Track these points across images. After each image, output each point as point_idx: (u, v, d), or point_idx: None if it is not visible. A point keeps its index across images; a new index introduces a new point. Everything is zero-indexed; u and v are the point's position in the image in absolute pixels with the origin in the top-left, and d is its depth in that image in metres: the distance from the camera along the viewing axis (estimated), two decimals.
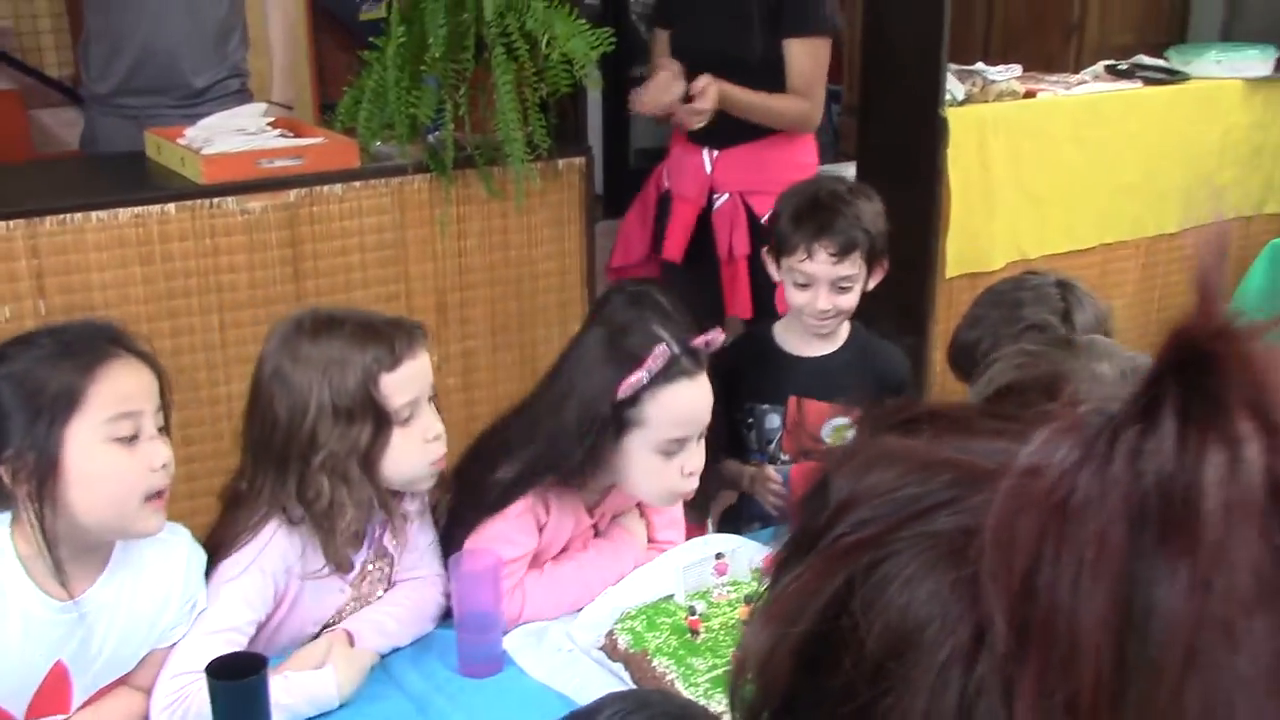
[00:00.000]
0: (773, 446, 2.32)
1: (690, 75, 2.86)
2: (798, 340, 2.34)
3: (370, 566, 1.77)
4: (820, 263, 2.20)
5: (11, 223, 2.36)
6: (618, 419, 1.73)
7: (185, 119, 2.79)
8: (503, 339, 2.94)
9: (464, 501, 1.86)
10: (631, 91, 2.96)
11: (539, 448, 1.78)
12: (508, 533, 1.80)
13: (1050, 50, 4.37)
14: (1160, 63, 3.94)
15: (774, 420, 2.31)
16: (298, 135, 2.78)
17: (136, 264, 2.48)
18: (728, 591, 1.82)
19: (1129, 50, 4.09)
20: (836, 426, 2.28)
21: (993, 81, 3.51)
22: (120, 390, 1.48)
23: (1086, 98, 3.69)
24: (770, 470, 2.25)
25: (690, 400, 1.76)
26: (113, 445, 1.47)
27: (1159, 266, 3.94)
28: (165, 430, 1.54)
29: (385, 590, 1.79)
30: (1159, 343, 0.40)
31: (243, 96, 3.06)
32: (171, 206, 2.50)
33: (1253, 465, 0.37)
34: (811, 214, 2.22)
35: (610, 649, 1.73)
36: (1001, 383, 1.04)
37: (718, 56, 2.85)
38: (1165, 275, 3.97)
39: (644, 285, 2.57)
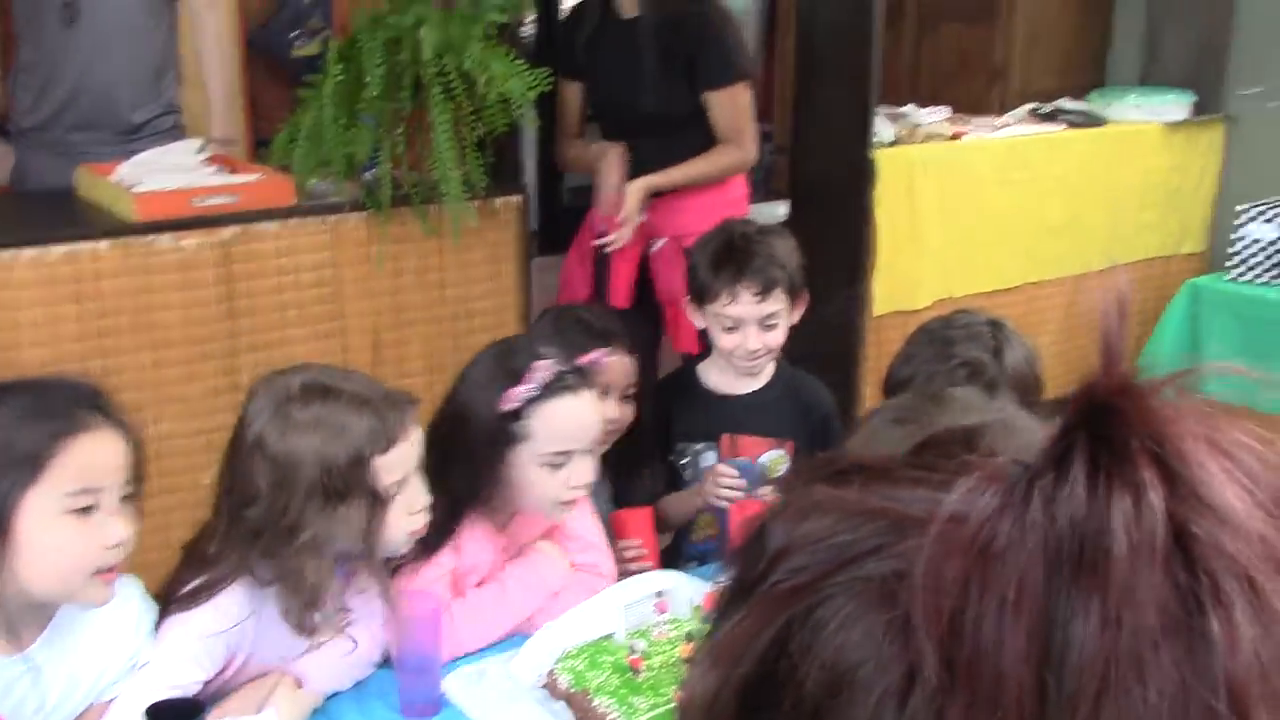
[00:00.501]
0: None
1: (615, 132, 2.92)
2: (724, 379, 2.37)
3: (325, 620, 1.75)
4: (745, 304, 2.24)
5: None
6: (505, 433, 1.80)
7: (120, 155, 2.76)
8: (439, 377, 2.92)
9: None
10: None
11: (449, 475, 1.80)
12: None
13: (976, 93, 4.47)
14: (1082, 106, 4.05)
15: (710, 458, 2.33)
16: (233, 172, 2.77)
17: (68, 302, 2.45)
18: (668, 629, 1.83)
19: (1051, 94, 4.20)
20: (772, 459, 2.32)
21: (920, 124, 3.59)
22: (86, 463, 1.42)
23: (1011, 140, 3.79)
24: (722, 466, 2.25)
25: (572, 414, 1.83)
26: (68, 517, 1.42)
27: (1083, 305, 4.04)
28: (135, 497, 1.49)
29: (332, 635, 1.77)
30: (1070, 398, 0.43)
31: (177, 133, 3.04)
32: (104, 244, 2.47)
33: (1156, 510, 0.40)
34: (729, 258, 2.26)
35: (551, 688, 1.73)
36: (882, 435, 1.06)
37: (642, 113, 2.91)
38: (1090, 314, 4.06)
39: (575, 306, 2.60)
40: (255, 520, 1.57)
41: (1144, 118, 4.06)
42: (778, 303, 2.26)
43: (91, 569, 1.45)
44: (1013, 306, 3.68)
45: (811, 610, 0.44)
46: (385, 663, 1.79)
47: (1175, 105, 4.10)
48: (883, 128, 3.45)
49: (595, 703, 1.67)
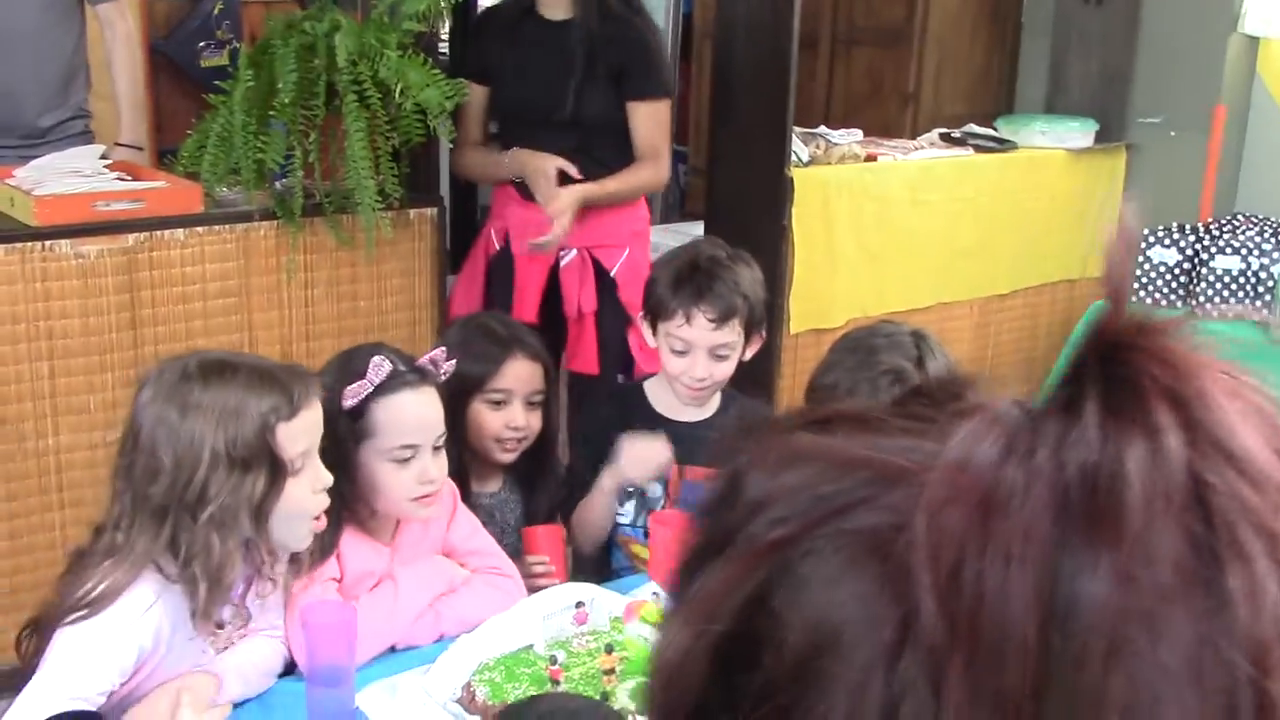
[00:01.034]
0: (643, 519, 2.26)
1: (521, 136, 2.85)
2: (673, 403, 2.29)
3: (228, 624, 1.70)
4: (698, 328, 2.16)
5: None
6: (351, 430, 1.84)
7: (25, 160, 2.68)
8: None
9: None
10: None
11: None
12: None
13: (887, 117, 4.53)
14: (990, 132, 4.12)
15: (656, 489, 2.25)
16: (136, 179, 2.69)
17: None
18: (588, 641, 1.80)
19: (961, 119, 4.27)
20: None
21: (836, 144, 3.62)
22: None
23: (923, 163, 3.84)
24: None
25: (411, 406, 1.86)
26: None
27: (990, 326, 4.10)
28: None
29: (237, 638, 1.72)
30: (1080, 338, 0.40)
31: (86, 138, 2.97)
32: (0, 248, 2.38)
33: (1174, 455, 0.37)
34: (690, 278, 2.17)
35: (468, 701, 1.69)
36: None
37: (558, 117, 2.83)
38: (997, 335, 4.13)
39: (484, 314, 2.57)
40: (160, 497, 1.55)
41: (1049, 144, 4.13)
42: (733, 333, 2.17)
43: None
44: (925, 326, 3.69)
45: (793, 564, 0.41)
46: (287, 672, 1.74)
47: (1079, 133, 4.19)
48: (798, 148, 3.46)
49: None
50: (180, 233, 2.58)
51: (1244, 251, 3.85)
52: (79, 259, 2.46)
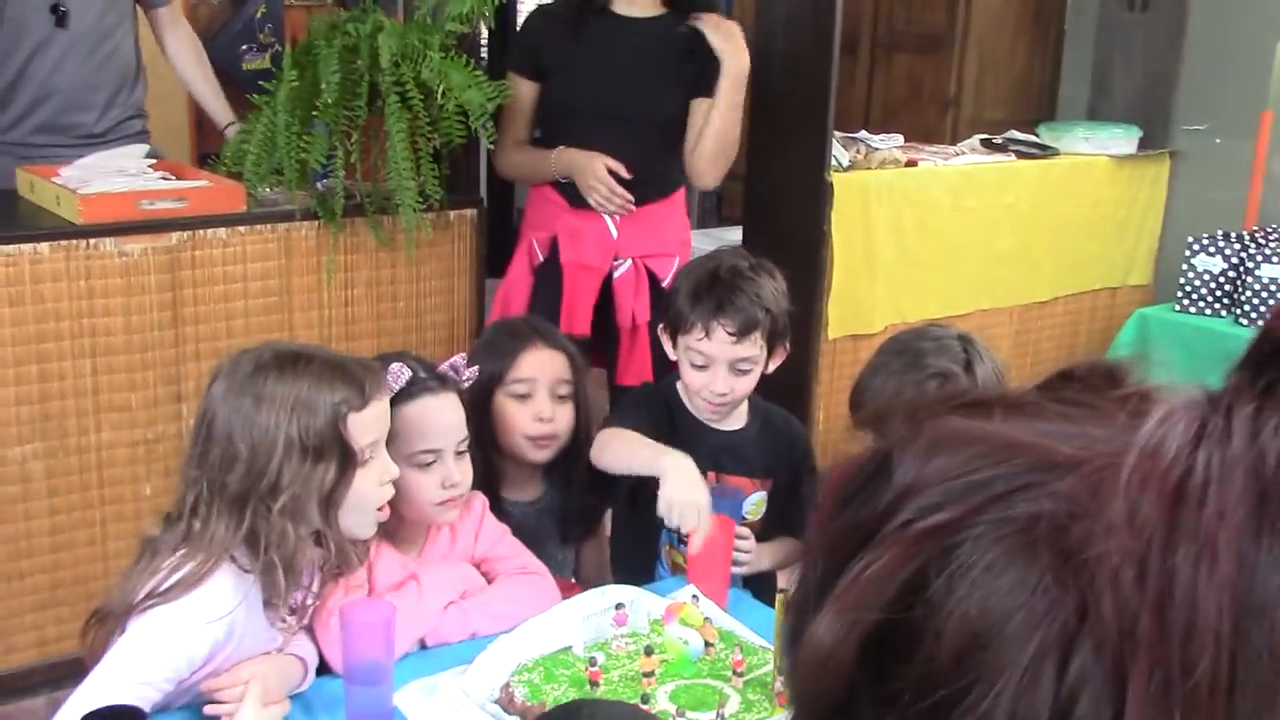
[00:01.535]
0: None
1: (582, 133, 2.79)
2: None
3: (294, 615, 1.71)
4: (718, 342, 2.10)
5: None
6: None
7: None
8: None
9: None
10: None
11: None
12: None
13: (928, 123, 4.51)
14: (1031, 138, 4.09)
15: None
16: (180, 178, 2.70)
17: (4, 304, 2.37)
18: (627, 643, 1.79)
19: (1002, 125, 4.24)
20: (756, 501, 2.25)
21: (876, 149, 3.60)
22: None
23: (964, 169, 3.81)
24: None
25: (431, 411, 1.87)
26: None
27: (1030, 333, 4.06)
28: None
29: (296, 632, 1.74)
30: (1264, 323, 0.39)
31: (143, 138, 3.00)
32: (45, 246, 2.40)
33: None
34: (710, 290, 2.11)
35: (506, 702, 1.68)
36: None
37: (631, 112, 2.79)
38: (1036, 342, 4.09)
39: (517, 317, 2.56)
40: (237, 485, 1.58)
41: (1092, 151, 4.09)
42: (754, 347, 2.11)
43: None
44: None
45: (950, 553, 0.39)
46: (320, 672, 1.74)
47: (1122, 140, 4.15)
48: (839, 152, 3.44)
49: None
50: (223, 232, 2.59)
51: None
52: (122, 257, 2.48)
